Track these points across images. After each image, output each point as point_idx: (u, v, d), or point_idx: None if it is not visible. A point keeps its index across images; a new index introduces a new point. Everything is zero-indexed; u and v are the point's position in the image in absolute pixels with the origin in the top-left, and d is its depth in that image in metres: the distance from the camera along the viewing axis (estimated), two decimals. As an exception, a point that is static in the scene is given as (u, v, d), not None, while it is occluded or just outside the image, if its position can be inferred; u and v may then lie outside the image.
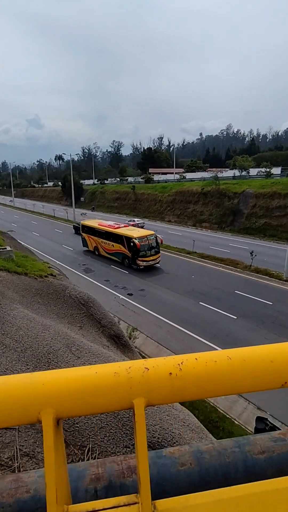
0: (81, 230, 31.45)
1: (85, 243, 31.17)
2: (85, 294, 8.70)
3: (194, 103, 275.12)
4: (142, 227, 52.28)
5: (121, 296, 19.53)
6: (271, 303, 17.86)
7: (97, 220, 33.37)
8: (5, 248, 9.21)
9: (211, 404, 10.57)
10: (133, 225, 55.30)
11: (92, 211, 60.05)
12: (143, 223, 57.77)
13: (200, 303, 18.24)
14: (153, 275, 23.18)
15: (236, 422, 9.78)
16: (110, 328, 8.57)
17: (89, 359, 5.93)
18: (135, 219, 56.96)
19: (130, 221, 51.43)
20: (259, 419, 9.22)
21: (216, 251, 28.88)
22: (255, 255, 22.90)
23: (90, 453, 3.94)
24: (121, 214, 56.70)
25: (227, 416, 10.03)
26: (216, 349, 13.32)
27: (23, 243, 21.53)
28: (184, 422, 6.89)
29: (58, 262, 27.29)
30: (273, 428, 8.33)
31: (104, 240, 27.71)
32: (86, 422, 4.32)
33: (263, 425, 9.03)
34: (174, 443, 5.48)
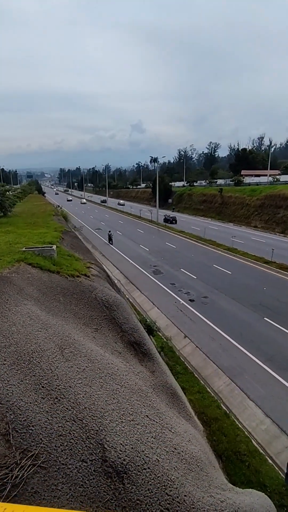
0: None
1: None
2: (112, 297, 8.74)
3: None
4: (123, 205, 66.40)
5: (182, 301, 19.08)
6: None
7: None
8: (50, 247, 9.89)
9: (245, 433, 9.50)
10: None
11: (172, 211, 60.36)
12: (123, 203, 74.46)
13: (265, 318, 16.57)
14: (221, 282, 22.02)
15: (269, 461, 8.55)
16: (130, 334, 8.43)
17: (80, 363, 5.93)
18: (121, 201, 76.76)
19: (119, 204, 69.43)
20: (291, 465, 7.82)
21: (300, 262, 25.88)
22: None
23: (32, 459, 3.92)
24: (206, 218, 55.51)
25: (261, 451, 8.85)
26: (270, 374, 11.91)
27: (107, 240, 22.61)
28: (175, 449, 6.37)
29: (131, 261, 28.27)
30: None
31: None
32: (45, 427, 4.32)
33: (295, 473, 7.62)
34: (145, 469, 5.10)
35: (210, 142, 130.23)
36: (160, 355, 11.09)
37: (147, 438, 5.64)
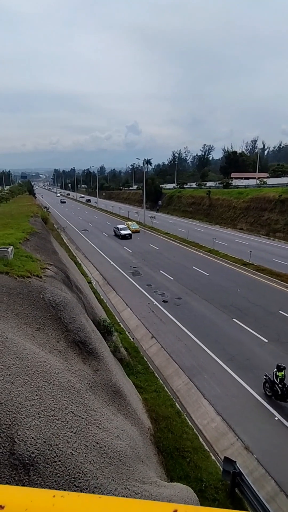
0: None
1: None
2: (60, 297, 8.95)
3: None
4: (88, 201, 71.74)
5: (155, 302, 19.32)
6: None
7: None
8: (6, 248, 10.05)
9: (194, 430, 9.74)
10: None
11: (156, 212, 61.03)
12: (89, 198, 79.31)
13: (234, 319, 16.85)
14: (197, 284, 22.29)
15: (213, 458, 8.78)
16: (76, 333, 8.66)
17: (6, 360, 6.12)
18: (82, 195, 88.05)
19: (65, 194, 76.80)
20: (227, 461, 8.21)
21: (279, 264, 26.27)
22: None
23: None
24: (194, 220, 55.87)
25: (205, 448, 9.09)
26: (229, 373, 12.18)
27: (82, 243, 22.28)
28: (97, 443, 6.59)
29: (112, 262, 28.47)
30: (239, 473, 7.32)
31: None
32: None
33: (231, 468, 8.02)
34: (55, 462, 5.33)
35: (204, 145, 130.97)
36: (116, 355, 11.30)
37: (65, 433, 5.86)
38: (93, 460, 5.75)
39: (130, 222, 45.67)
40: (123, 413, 8.07)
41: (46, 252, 13.25)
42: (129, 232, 39.62)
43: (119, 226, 41.23)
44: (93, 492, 5.11)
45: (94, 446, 6.02)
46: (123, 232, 39.42)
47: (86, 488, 5.15)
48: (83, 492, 5.01)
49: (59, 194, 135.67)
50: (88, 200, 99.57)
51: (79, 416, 6.23)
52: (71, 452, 5.42)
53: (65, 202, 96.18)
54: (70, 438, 5.60)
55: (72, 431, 5.76)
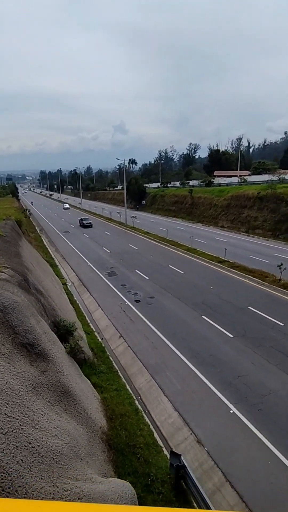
0: None
1: None
2: (8, 300, 8.98)
3: (285, 100, 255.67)
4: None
5: (127, 302, 19.43)
6: (282, 324, 15.79)
7: None
8: None
9: (151, 427, 9.88)
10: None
11: (136, 210, 61.28)
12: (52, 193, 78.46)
13: (203, 316, 17.08)
14: (171, 282, 22.48)
15: (164, 453, 8.94)
16: (24, 336, 8.70)
17: None
18: (50, 192, 79.60)
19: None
20: (173, 455, 8.37)
21: (254, 261, 26.70)
22: (285, 268, 20.55)
23: None
24: (177, 218, 56.21)
25: (159, 443, 9.25)
26: (191, 369, 12.37)
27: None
28: (29, 443, 6.65)
29: (89, 263, 28.50)
30: (183, 466, 7.46)
31: None
32: None
33: (176, 461, 8.17)
34: None
35: (190, 143, 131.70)
36: (79, 355, 11.36)
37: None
38: (22, 460, 5.82)
39: None
40: (69, 412, 8.16)
41: (7, 255, 13.23)
42: None
43: None
44: (16, 491, 5.20)
45: (25, 446, 6.09)
46: None
47: (9, 488, 5.22)
48: (4, 491, 5.09)
49: (67, 205, 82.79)
50: (51, 194, 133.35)
51: (13, 417, 6.28)
52: (-4, 453, 5.49)
53: (91, 226, 50.19)
54: (-2, 439, 5.66)
55: (1, 432, 5.82)
